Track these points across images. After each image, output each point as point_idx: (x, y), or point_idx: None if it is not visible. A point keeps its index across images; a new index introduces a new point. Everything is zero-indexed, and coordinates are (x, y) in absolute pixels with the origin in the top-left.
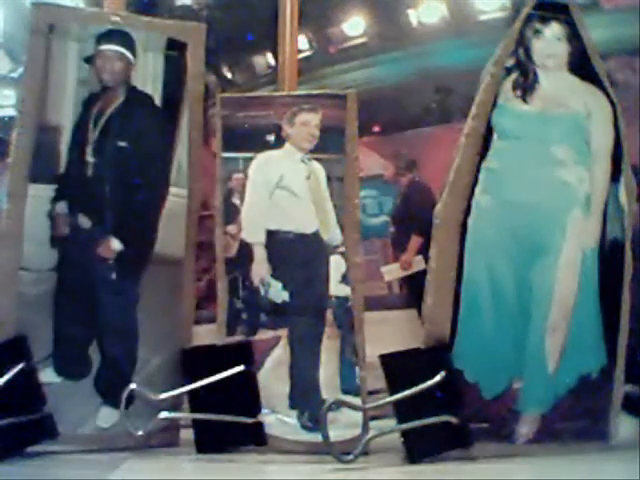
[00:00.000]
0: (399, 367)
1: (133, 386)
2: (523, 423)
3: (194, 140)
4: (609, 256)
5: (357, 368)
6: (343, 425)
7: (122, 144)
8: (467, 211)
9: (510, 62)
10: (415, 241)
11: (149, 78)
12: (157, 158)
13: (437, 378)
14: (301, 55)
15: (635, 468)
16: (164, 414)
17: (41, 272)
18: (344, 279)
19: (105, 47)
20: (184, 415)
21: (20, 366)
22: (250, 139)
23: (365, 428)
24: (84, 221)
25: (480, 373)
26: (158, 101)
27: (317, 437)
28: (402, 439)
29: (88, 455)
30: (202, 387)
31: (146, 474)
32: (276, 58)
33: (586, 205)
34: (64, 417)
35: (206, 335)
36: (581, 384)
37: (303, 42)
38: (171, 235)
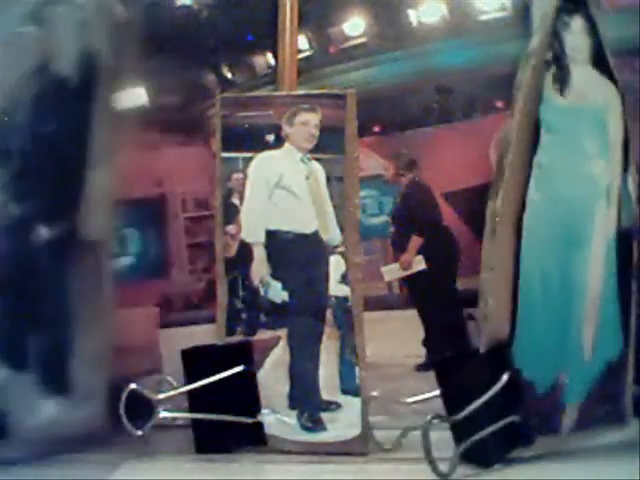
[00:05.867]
0: (456, 371)
1: (133, 386)
2: (567, 414)
3: (110, 120)
4: (623, 244)
5: (357, 368)
6: (343, 425)
7: (45, 128)
8: (522, 208)
9: (548, 55)
10: (415, 241)
11: (65, 60)
12: (78, 141)
13: (504, 379)
14: (301, 55)
15: (635, 468)
16: (164, 414)
17: None
18: (344, 279)
19: (22, 29)
20: (184, 415)
21: None
22: (250, 139)
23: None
24: (14, 209)
25: (536, 370)
26: (73, 83)
27: (317, 437)
28: (468, 447)
29: (88, 455)
30: (202, 387)
31: (146, 474)
32: (276, 58)
33: (607, 196)
34: (10, 412)
35: (206, 335)
36: (606, 370)
37: (303, 42)
38: (93, 218)
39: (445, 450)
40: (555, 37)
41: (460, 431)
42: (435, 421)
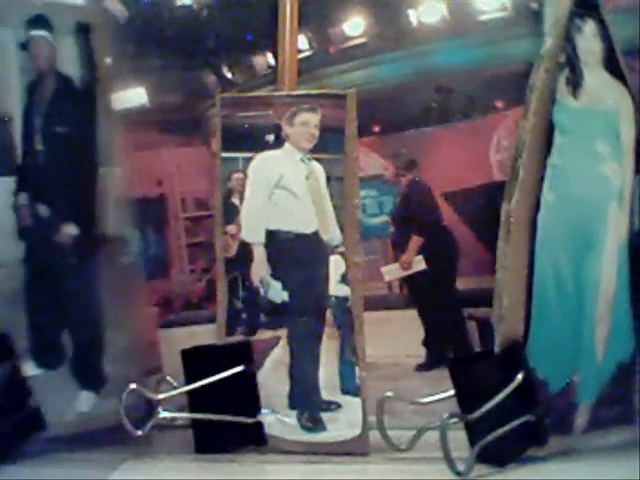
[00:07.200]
0: (471, 372)
1: (133, 386)
2: (580, 414)
3: (112, 119)
4: (635, 246)
5: (357, 368)
6: (343, 425)
7: (62, 130)
8: (536, 208)
9: (562, 58)
10: (415, 241)
11: (68, 62)
12: (93, 140)
13: (519, 378)
14: (301, 55)
15: (635, 468)
16: (164, 414)
17: (14, 266)
18: (344, 279)
19: (34, 32)
20: (184, 415)
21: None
22: (250, 139)
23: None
24: (43, 210)
25: (549, 369)
26: (78, 84)
27: (317, 437)
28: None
29: (88, 455)
30: (202, 387)
31: (146, 474)
32: (276, 58)
33: (620, 198)
34: (48, 407)
35: (206, 335)
36: (618, 371)
37: (303, 42)
38: (115, 214)
39: (455, 450)
40: (568, 40)
41: (474, 431)
42: (452, 420)
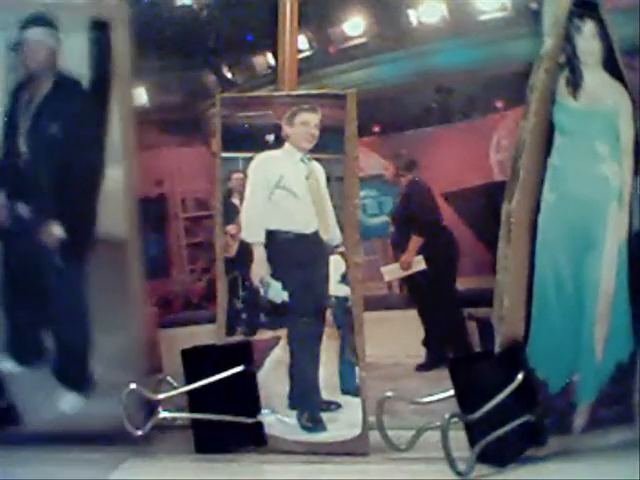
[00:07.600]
0: (471, 372)
1: (133, 386)
2: (578, 414)
3: (125, 118)
4: (634, 247)
5: (357, 368)
6: (343, 425)
7: (54, 131)
8: (536, 209)
9: (562, 58)
10: (415, 241)
11: (75, 61)
12: (91, 140)
13: (519, 378)
14: (301, 55)
15: (635, 468)
16: (164, 414)
17: None
18: (344, 279)
19: (29, 33)
20: (184, 415)
21: None
22: (250, 139)
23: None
24: (24, 210)
25: (549, 370)
26: (86, 83)
27: (317, 437)
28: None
29: (88, 455)
30: (201, 387)
31: (146, 474)
32: (276, 58)
33: (619, 198)
34: (28, 406)
35: (206, 335)
36: (617, 371)
37: (303, 42)
38: (113, 216)
39: (455, 450)
40: (567, 41)
41: (475, 431)
42: (453, 420)
